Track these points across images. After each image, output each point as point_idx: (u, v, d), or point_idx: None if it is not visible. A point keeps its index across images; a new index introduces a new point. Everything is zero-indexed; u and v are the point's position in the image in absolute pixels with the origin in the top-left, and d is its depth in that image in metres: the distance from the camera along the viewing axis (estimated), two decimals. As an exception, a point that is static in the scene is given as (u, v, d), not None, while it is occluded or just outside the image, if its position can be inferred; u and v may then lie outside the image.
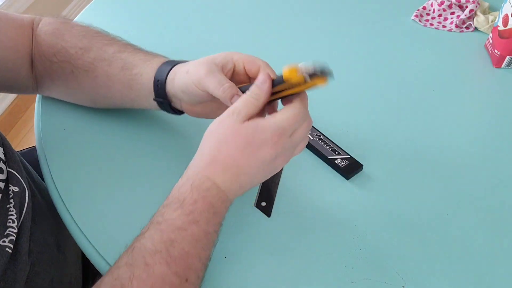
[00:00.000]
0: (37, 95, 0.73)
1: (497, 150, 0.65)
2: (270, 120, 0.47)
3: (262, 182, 0.52)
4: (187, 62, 0.56)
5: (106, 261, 0.53)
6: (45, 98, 0.72)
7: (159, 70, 0.57)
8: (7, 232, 0.52)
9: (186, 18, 0.88)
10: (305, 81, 0.45)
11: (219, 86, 0.50)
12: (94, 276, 0.53)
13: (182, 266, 0.44)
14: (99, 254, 0.54)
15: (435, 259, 0.53)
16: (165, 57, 0.60)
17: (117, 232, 0.56)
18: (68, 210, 0.58)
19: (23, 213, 0.56)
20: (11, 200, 0.54)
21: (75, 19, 0.82)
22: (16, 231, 0.53)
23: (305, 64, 0.45)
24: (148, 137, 0.67)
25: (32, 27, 0.65)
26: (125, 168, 0.63)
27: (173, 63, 0.57)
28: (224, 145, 0.48)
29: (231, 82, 0.51)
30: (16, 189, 0.56)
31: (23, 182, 0.58)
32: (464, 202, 0.59)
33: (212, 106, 0.57)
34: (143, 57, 0.60)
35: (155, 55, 0.60)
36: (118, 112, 0.69)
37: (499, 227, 0.57)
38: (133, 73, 0.59)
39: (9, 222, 0.52)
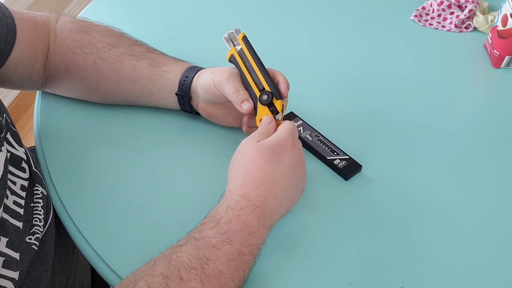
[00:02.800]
0: (37, 96, 0.73)
1: (497, 150, 0.65)
2: (278, 133, 0.54)
3: (296, 197, 0.55)
4: (213, 67, 0.63)
5: (105, 263, 0.54)
6: (44, 99, 0.72)
7: (189, 69, 0.64)
8: (33, 230, 0.54)
9: (186, 18, 0.88)
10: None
11: (235, 91, 0.58)
12: (101, 279, 0.53)
13: (215, 284, 0.45)
14: (99, 255, 0.54)
15: (434, 259, 0.54)
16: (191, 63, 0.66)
17: (117, 235, 0.56)
18: (67, 211, 0.58)
19: (50, 215, 0.58)
20: (40, 201, 0.57)
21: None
22: (42, 230, 0.55)
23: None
24: (149, 140, 0.67)
25: (48, 25, 0.66)
26: (125, 170, 0.63)
27: (200, 68, 0.64)
28: (251, 162, 0.52)
29: (246, 91, 0.59)
30: (45, 192, 0.59)
31: (46, 185, 0.60)
32: (463, 203, 0.59)
33: (222, 111, 0.64)
34: (172, 59, 0.66)
35: (183, 60, 0.66)
36: (118, 113, 0.69)
37: (498, 227, 0.57)
38: (162, 70, 0.64)
39: (35, 221, 0.55)
